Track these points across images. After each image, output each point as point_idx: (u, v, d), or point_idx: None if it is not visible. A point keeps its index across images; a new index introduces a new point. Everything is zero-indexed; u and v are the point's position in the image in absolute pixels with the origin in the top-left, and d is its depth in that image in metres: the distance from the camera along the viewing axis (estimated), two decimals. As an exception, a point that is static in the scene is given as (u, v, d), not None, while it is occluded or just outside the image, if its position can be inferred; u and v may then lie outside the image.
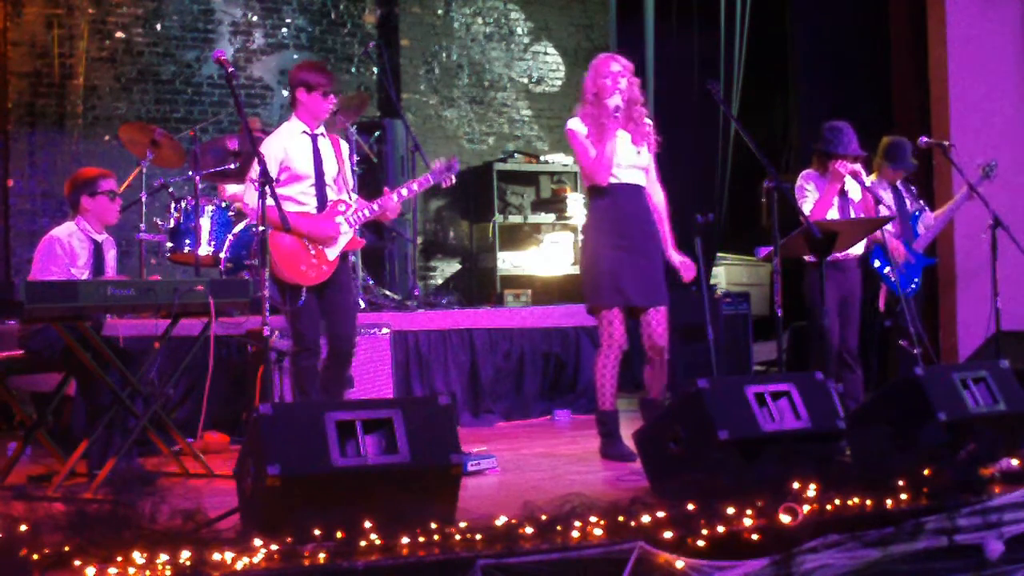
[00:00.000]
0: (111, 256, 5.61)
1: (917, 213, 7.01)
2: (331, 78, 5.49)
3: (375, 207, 5.55)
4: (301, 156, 5.39)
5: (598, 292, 5.49)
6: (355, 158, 7.35)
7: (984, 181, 6.72)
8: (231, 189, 7.39)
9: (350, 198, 5.59)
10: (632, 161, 5.54)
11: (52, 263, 5.33)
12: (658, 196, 5.68)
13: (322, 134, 5.51)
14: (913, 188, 7.14)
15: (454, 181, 5.76)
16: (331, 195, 5.47)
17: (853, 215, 6.19)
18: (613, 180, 5.49)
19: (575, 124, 5.57)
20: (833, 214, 6.14)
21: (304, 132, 5.44)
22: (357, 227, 5.54)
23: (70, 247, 5.39)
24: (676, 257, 5.65)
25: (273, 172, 5.20)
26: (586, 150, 5.50)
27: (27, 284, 4.59)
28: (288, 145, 5.39)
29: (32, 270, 5.44)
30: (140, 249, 7.15)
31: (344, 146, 5.66)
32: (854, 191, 6.25)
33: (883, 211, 6.21)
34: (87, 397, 5.31)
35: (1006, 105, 8.10)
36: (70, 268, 5.36)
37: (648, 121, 5.62)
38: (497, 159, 10.15)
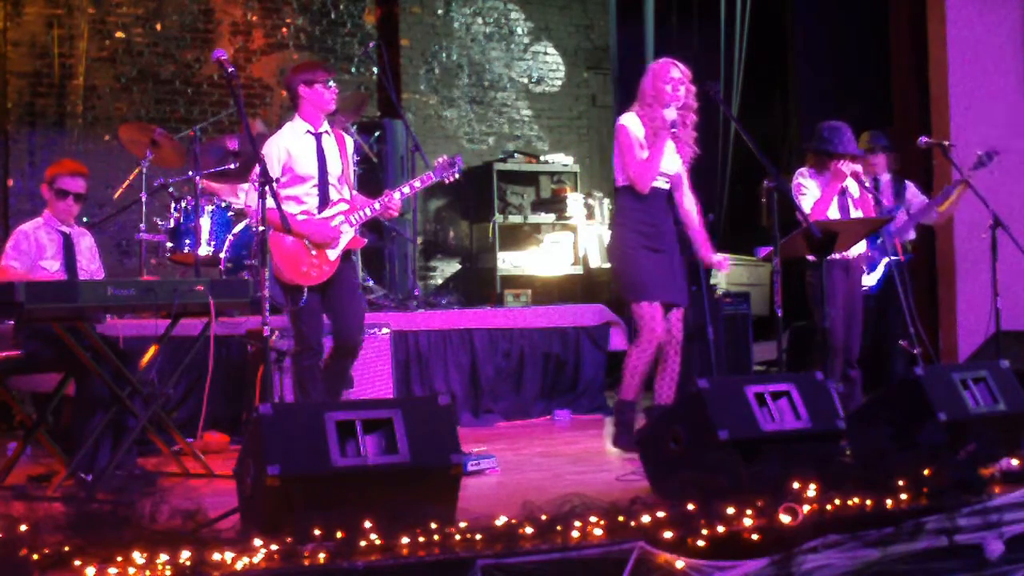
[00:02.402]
0: (84, 245, 5.62)
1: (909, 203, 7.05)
2: (329, 69, 5.48)
3: (376, 206, 5.52)
4: (305, 157, 5.37)
5: (642, 286, 5.49)
6: (356, 157, 7.34)
7: (978, 169, 6.71)
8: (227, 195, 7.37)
9: (351, 195, 5.57)
10: (672, 169, 5.58)
11: (16, 253, 5.38)
12: (690, 201, 5.72)
13: (326, 132, 5.48)
14: (908, 182, 7.17)
15: (458, 177, 5.72)
16: (334, 194, 5.45)
17: (853, 212, 6.18)
18: (653, 185, 5.52)
19: (631, 122, 5.52)
20: (834, 213, 6.13)
21: (308, 132, 5.41)
22: (358, 226, 5.53)
23: (36, 240, 5.45)
24: (715, 256, 5.74)
25: (275, 173, 5.20)
26: (635, 150, 5.48)
27: (27, 284, 4.59)
28: (291, 146, 5.37)
29: None
30: (140, 249, 7.15)
31: (349, 141, 5.62)
32: (853, 188, 6.24)
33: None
34: (86, 396, 5.30)
35: (1006, 105, 8.09)
36: (38, 261, 5.41)
37: (694, 132, 5.62)
38: (497, 159, 10.14)
